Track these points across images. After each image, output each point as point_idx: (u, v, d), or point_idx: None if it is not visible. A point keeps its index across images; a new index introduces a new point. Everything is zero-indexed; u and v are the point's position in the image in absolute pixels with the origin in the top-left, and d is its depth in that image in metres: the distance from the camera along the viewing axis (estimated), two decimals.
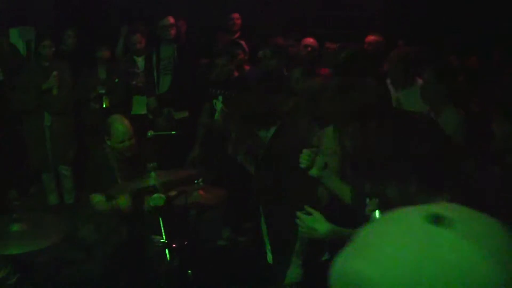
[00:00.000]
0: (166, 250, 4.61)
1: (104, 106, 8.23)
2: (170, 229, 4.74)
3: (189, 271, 4.88)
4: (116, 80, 8.51)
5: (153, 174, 4.80)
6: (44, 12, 10.30)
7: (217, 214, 6.79)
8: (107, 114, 7.91)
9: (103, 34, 9.64)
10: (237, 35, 9.27)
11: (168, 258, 4.60)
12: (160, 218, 4.72)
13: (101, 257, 2.70)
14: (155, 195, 4.55)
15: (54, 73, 8.11)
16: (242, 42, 8.37)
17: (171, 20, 8.63)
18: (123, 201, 5.02)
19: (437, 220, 1.25)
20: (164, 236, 4.67)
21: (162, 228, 4.71)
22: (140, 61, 8.89)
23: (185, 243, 4.97)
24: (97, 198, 5.18)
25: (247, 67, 8.16)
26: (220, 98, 7.55)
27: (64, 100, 8.28)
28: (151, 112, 8.56)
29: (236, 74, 7.76)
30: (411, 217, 1.30)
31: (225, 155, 6.13)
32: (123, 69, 8.86)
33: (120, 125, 5.64)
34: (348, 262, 1.29)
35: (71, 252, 2.77)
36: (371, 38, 8.18)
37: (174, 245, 4.75)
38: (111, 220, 2.99)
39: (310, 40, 8.54)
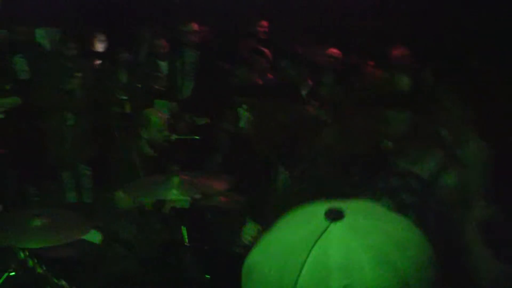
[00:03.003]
0: (188, 253, 4.62)
1: (125, 110, 8.27)
2: (192, 233, 4.74)
3: (207, 276, 4.88)
4: (138, 86, 8.54)
5: (176, 178, 4.82)
6: (68, 14, 10.36)
7: (235, 220, 6.78)
8: (128, 118, 8.00)
9: (125, 37, 9.68)
10: (261, 42, 9.26)
11: (188, 261, 4.60)
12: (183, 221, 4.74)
13: (141, 255, 2.72)
14: (181, 197, 4.56)
15: (78, 74, 8.16)
16: (265, 50, 8.38)
17: (194, 26, 8.67)
18: (147, 199, 5.07)
19: (332, 214, 1.29)
20: (186, 239, 4.68)
21: (184, 231, 4.72)
22: (163, 65, 8.93)
23: (205, 247, 4.98)
24: (121, 196, 5.25)
25: (270, 76, 8.16)
26: (245, 106, 7.58)
27: (86, 101, 8.32)
28: (172, 116, 8.59)
29: (259, 81, 7.78)
30: (313, 211, 1.35)
31: (248, 161, 6.15)
32: (145, 73, 8.89)
33: (157, 115, 6.07)
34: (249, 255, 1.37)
35: (111, 249, 2.79)
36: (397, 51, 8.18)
37: (194, 248, 4.76)
38: (153, 220, 3.01)
39: (333, 50, 8.53)
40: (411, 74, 6.54)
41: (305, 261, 1.22)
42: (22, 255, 3.68)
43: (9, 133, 7.88)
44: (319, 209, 1.33)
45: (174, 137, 5.99)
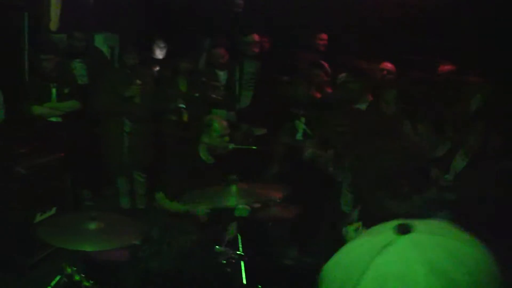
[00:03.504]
0: (242, 262, 4.56)
1: (183, 119, 8.27)
2: (247, 242, 4.69)
3: (259, 286, 4.81)
4: (196, 95, 8.54)
5: (234, 186, 4.78)
6: (129, 22, 10.43)
7: (286, 232, 6.72)
8: (186, 127, 8.00)
9: (185, 46, 9.70)
10: (322, 55, 9.17)
11: (243, 270, 4.54)
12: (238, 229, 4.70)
13: (168, 257, 2.70)
14: (240, 206, 4.51)
15: (138, 81, 8.19)
16: (325, 63, 8.30)
17: (255, 37, 8.64)
18: (201, 208, 5.05)
19: (401, 229, 1.39)
20: (240, 249, 4.62)
21: (240, 240, 4.67)
22: (222, 75, 8.91)
23: (257, 257, 4.92)
24: (161, 196, 5.32)
25: (329, 89, 8.08)
26: (302, 119, 7.53)
27: (145, 109, 8.34)
28: (230, 126, 8.57)
29: (318, 95, 7.70)
30: (384, 226, 1.45)
31: (304, 174, 6.08)
32: (204, 82, 8.89)
33: (220, 121, 6.19)
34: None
35: (140, 250, 2.78)
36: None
37: (247, 258, 4.70)
38: (182, 222, 2.98)
39: (388, 65, 8.41)
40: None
41: (367, 269, 1.32)
42: (69, 270, 3.70)
43: (67, 137, 7.94)
44: (393, 224, 1.43)
45: (231, 146, 5.95)
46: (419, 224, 1.40)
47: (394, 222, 1.42)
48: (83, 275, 3.90)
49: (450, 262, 1.28)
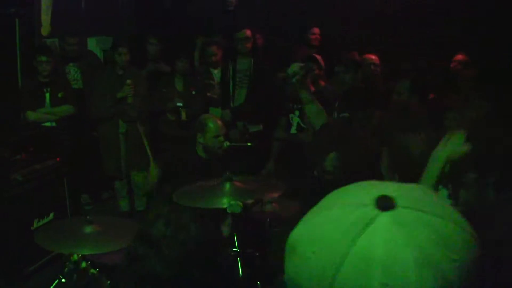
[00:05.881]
0: (238, 259, 4.55)
1: (181, 118, 8.26)
2: (243, 238, 4.68)
3: (258, 282, 4.80)
4: (193, 93, 8.53)
5: (228, 183, 4.78)
6: (123, 23, 10.42)
7: (288, 228, 6.69)
8: (185, 126, 7.98)
9: (181, 45, 9.69)
10: (315, 49, 9.15)
11: (240, 267, 4.53)
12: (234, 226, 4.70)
13: (168, 253, 2.69)
14: (233, 202, 4.48)
15: (129, 81, 8.16)
16: (319, 57, 8.30)
17: (248, 33, 8.60)
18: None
19: (383, 203, 1.25)
20: (236, 245, 4.61)
21: (236, 237, 4.66)
22: (216, 73, 8.89)
23: (256, 254, 4.91)
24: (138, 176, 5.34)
25: (322, 83, 8.07)
26: (297, 112, 7.52)
27: (139, 108, 8.33)
28: (225, 124, 8.56)
29: (312, 89, 7.69)
30: (364, 193, 1.31)
31: (301, 168, 6.05)
32: (199, 80, 8.88)
33: (215, 121, 6.17)
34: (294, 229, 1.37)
35: (141, 248, 2.78)
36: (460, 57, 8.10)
37: (245, 255, 4.69)
38: (182, 217, 2.97)
39: (372, 57, 8.42)
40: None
41: (349, 251, 1.20)
42: (75, 257, 3.71)
43: (63, 142, 7.93)
44: (370, 192, 1.29)
45: (227, 144, 5.93)
46: (401, 196, 1.27)
47: (372, 191, 1.29)
48: (89, 262, 3.90)
49: (438, 247, 1.19)
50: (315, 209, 1.36)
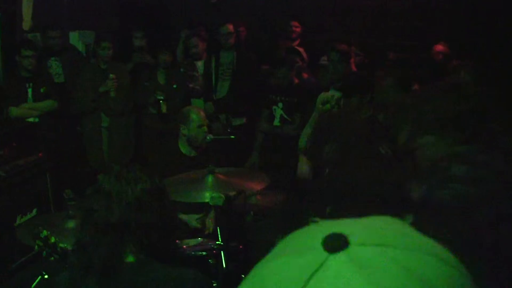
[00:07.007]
0: (222, 252, 4.53)
1: (162, 111, 8.23)
2: (226, 231, 4.66)
3: (243, 276, 4.79)
4: (175, 86, 8.50)
5: (210, 177, 4.77)
6: (105, 17, 10.37)
7: (272, 221, 6.70)
8: (165, 119, 7.96)
9: (164, 39, 9.68)
10: (296, 42, 9.14)
11: (224, 261, 4.51)
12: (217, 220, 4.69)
13: (121, 201, 2.75)
14: (215, 194, 4.47)
15: (111, 75, 8.16)
16: (301, 49, 8.30)
17: (230, 28, 8.61)
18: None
19: (332, 243, 1.02)
20: (220, 238, 4.59)
21: (219, 230, 4.64)
22: (199, 65, 8.88)
23: (240, 247, 4.89)
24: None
25: (305, 75, 8.09)
26: (280, 104, 7.52)
27: (122, 102, 8.30)
28: (208, 117, 8.55)
29: (296, 81, 7.70)
30: (313, 235, 1.07)
31: (284, 161, 6.05)
32: (182, 73, 8.85)
33: (197, 111, 6.20)
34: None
35: (95, 202, 2.84)
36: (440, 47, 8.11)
37: (229, 248, 4.67)
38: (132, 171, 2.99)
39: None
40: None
41: None
42: (45, 232, 3.70)
43: (46, 137, 7.88)
44: (318, 232, 1.06)
45: (210, 137, 5.89)
46: (355, 232, 1.04)
47: (321, 231, 1.06)
48: (58, 239, 3.87)
49: (412, 286, 0.96)
50: (261, 263, 1.13)
